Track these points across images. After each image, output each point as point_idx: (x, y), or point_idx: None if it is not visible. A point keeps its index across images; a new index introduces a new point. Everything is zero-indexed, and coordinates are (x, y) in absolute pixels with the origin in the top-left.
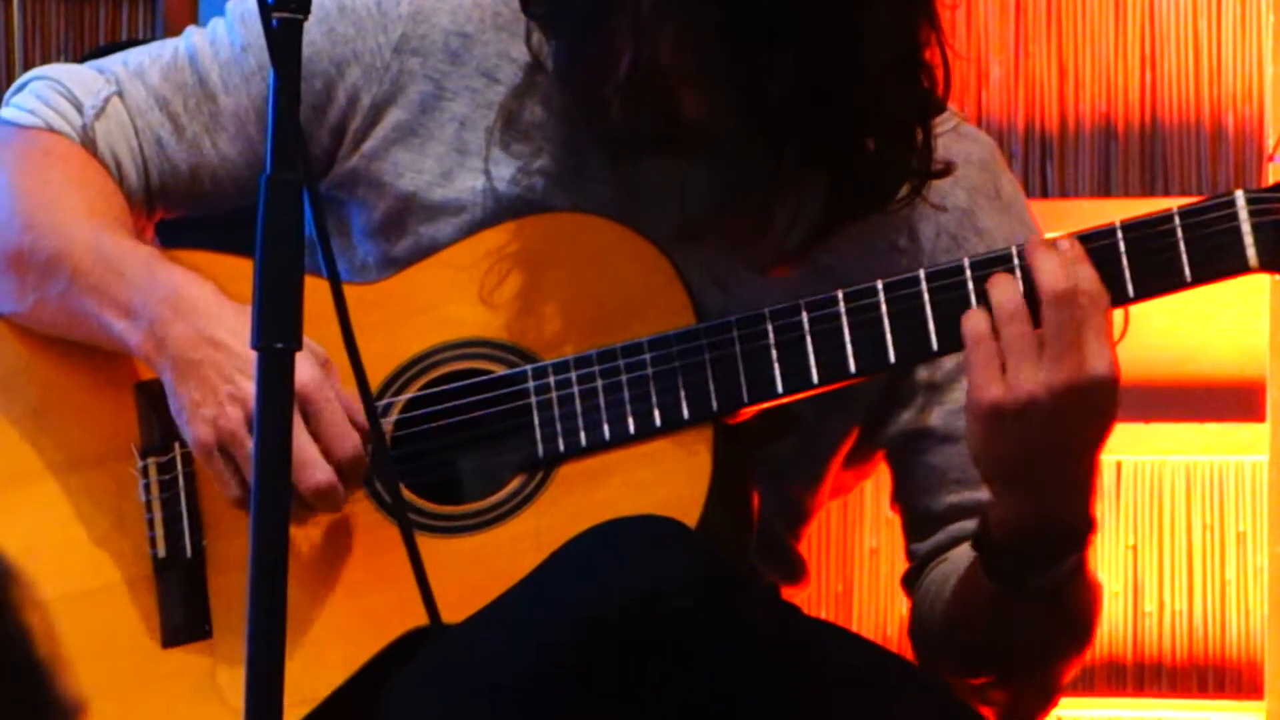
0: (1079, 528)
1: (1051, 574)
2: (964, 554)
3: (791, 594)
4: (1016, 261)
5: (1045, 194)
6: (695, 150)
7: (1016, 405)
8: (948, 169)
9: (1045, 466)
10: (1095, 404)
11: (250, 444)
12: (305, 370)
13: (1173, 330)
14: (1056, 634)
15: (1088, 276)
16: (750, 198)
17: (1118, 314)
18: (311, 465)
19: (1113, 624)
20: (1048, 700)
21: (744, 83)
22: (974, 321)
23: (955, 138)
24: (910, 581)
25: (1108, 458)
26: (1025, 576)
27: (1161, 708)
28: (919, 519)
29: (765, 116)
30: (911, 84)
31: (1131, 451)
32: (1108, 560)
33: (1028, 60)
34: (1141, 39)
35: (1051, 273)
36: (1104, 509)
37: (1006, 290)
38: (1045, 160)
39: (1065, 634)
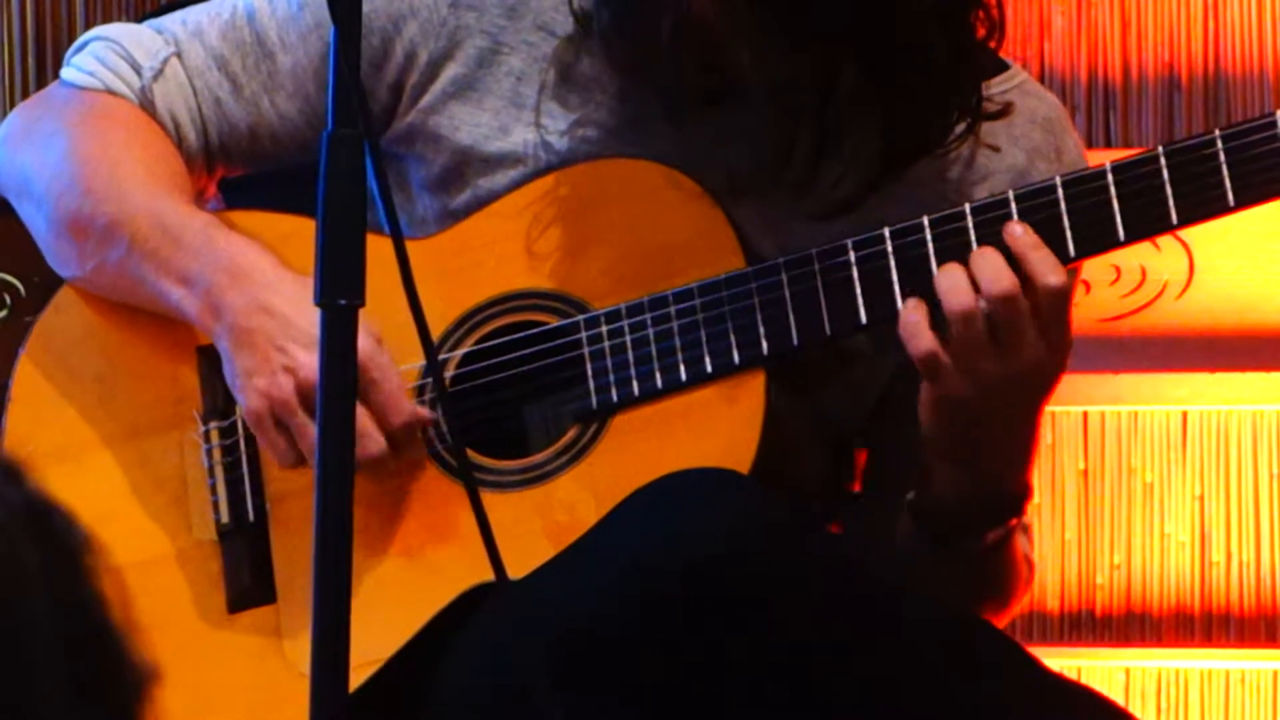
0: (1018, 494)
1: (983, 538)
2: None
3: None
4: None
5: (1109, 145)
6: (745, 104)
7: (973, 394)
8: (1006, 110)
9: (991, 443)
10: (1039, 383)
11: (302, 413)
12: (359, 340)
13: (1237, 279)
14: (969, 598)
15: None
16: (798, 150)
17: (1183, 263)
18: (365, 435)
19: (1180, 575)
20: None
21: (789, 31)
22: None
23: (1020, 94)
24: None
25: (1174, 408)
26: (959, 539)
27: (1230, 658)
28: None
29: (814, 63)
30: (958, 19)
31: (1198, 401)
32: (1174, 511)
33: (1090, 10)
34: None
35: (994, 275)
36: (1171, 459)
37: (958, 286)
38: (1108, 111)
39: (976, 599)
